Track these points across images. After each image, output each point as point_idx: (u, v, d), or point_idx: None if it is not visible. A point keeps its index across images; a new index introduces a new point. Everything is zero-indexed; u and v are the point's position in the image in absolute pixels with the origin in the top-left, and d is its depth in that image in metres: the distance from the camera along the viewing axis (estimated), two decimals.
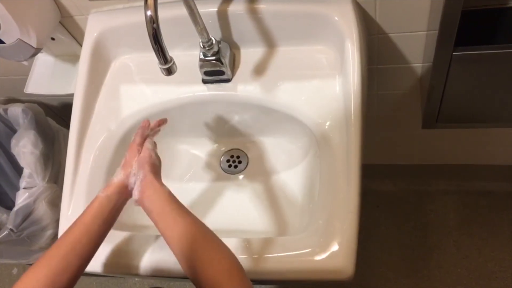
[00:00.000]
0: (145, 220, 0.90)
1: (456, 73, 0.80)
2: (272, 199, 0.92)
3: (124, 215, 0.85)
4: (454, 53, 0.76)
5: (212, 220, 0.75)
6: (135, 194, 0.69)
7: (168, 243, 0.64)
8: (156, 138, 0.79)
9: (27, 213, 1.18)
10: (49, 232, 1.26)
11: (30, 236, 1.23)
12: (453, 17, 0.69)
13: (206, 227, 0.64)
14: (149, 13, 0.62)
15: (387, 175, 1.51)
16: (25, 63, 1.01)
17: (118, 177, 0.71)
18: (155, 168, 0.72)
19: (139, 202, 0.69)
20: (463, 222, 1.43)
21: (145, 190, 0.68)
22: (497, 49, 0.75)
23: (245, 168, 0.98)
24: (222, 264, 0.59)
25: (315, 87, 0.83)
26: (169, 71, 0.67)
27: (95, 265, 0.78)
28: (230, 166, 0.99)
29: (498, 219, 1.40)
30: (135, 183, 0.70)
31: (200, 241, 0.62)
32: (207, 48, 0.83)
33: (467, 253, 1.38)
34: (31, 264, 1.41)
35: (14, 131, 1.26)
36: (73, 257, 0.63)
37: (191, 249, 0.61)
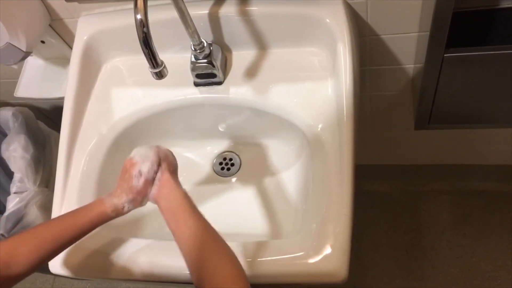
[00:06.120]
0: (138, 224, 0.90)
1: (448, 74, 0.80)
2: (265, 202, 0.92)
3: (117, 219, 0.84)
4: (445, 55, 0.76)
5: None
6: (152, 191, 0.68)
7: (177, 244, 0.64)
8: (148, 142, 0.79)
9: (18, 218, 1.16)
10: None
11: None
12: (444, 18, 0.69)
13: (216, 232, 0.64)
14: (139, 16, 0.62)
15: (380, 176, 1.51)
16: (15, 66, 1.00)
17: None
18: (173, 167, 0.71)
19: (155, 199, 0.68)
20: (456, 222, 1.43)
21: (162, 188, 0.68)
22: (489, 50, 0.75)
23: (238, 171, 0.97)
24: (228, 271, 0.59)
25: (307, 89, 0.83)
26: (160, 75, 0.67)
27: (88, 269, 0.78)
28: (222, 169, 0.98)
29: (491, 219, 1.41)
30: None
31: (208, 246, 0.61)
32: (198, 51, 0.82)
33: (461, 253, 1.39)
34: None
35: (4, 135, 1.25)
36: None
37: (199, 253, 0.60)
